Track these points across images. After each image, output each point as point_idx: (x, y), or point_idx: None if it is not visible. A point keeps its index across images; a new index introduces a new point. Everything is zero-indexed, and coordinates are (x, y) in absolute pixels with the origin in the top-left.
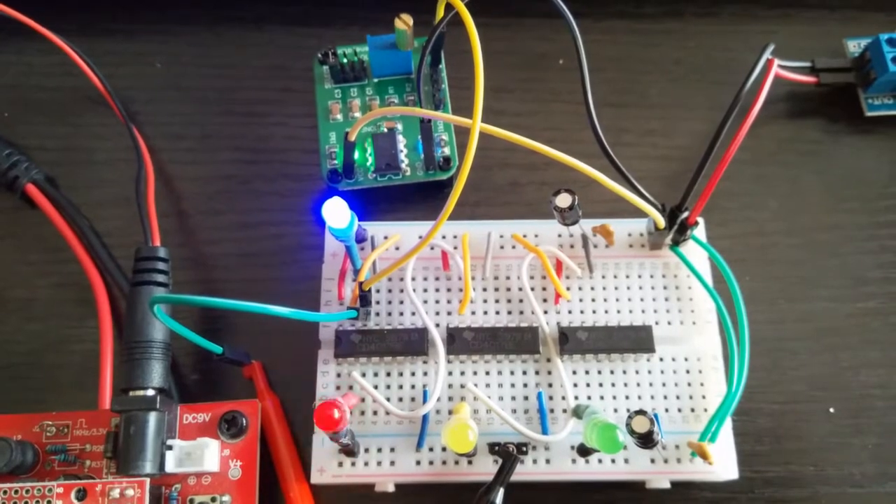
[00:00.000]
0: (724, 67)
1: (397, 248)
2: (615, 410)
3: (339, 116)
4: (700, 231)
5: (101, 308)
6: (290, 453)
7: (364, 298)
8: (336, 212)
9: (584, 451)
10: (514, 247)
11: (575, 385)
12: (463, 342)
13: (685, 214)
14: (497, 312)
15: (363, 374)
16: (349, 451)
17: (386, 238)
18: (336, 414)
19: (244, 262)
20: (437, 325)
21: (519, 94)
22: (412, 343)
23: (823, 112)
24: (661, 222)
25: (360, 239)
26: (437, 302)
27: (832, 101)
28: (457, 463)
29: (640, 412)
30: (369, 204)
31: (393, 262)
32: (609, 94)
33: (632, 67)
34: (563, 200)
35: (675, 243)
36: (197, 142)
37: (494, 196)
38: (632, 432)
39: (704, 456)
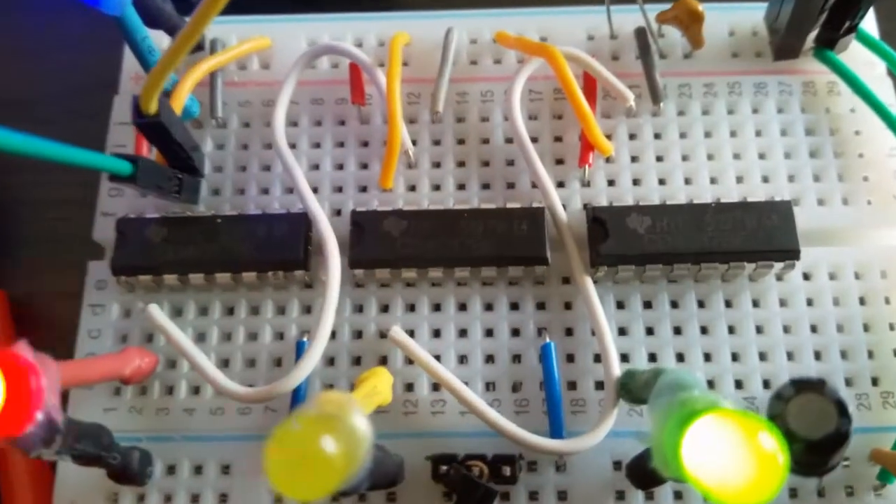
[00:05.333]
0: None
1: (267, 68)
2: (711, 386)
3: None
4: (870, 22)
5: None
6: (32, 471)
7: (168, 147)
8: None
9: (642, 475)
10: (498, 61)
11: (622, 332)
12: (383, 241)
13: None
14: (461, 186)
15: (178, 313)
16: (123, 473)
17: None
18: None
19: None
20: (339, 213)
21: None
22: (275, 243)
23: None
24: None
25: (171, 28)
26: (341, 168)
27: None
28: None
29: (808, 384)
30: None
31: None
32: None
33: None
34: None
35: (826, 44)
36: None
37: None
38: (793, 439)
39: None
